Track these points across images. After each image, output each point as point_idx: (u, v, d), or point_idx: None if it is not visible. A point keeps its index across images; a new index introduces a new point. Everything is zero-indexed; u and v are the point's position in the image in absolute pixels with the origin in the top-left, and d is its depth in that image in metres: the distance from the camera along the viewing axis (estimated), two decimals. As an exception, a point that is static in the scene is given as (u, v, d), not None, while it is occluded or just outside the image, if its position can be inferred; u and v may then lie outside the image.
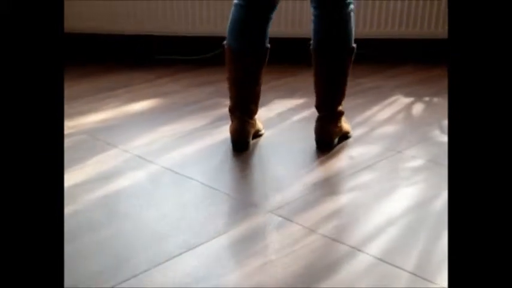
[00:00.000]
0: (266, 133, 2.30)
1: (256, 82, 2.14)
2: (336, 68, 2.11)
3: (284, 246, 1.56)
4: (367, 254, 1.53)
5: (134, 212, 1.72)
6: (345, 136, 2.25)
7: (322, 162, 2.05)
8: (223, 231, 1.62)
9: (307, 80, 2.95)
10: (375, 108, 2.59)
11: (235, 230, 1.63)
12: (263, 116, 2.46)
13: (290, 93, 2.76)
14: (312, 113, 2.51)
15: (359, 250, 1.54)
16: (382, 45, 3.27)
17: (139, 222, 1.66)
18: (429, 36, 3.21)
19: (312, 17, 2.08)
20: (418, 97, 2.72)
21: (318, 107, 2.19)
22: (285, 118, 2.46)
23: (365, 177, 1.95)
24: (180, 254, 1.52)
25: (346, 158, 2.09)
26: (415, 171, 2.01)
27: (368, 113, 2.54)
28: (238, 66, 2.09)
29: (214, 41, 3.21)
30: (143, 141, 2.20)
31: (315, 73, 2.14)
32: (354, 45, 2.09)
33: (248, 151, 2.13)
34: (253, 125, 2.18)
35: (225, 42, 2.11)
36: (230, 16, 2.09)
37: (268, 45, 2.11)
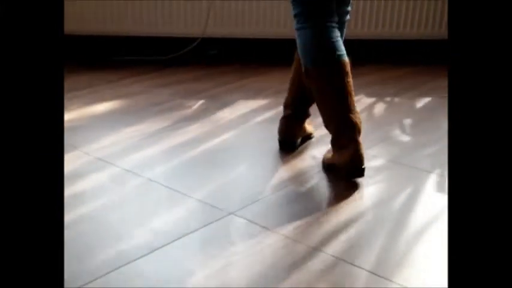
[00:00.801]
0: (229, 134, 2.30)
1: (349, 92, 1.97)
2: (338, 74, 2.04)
3: (246, 247, 1.57)
4: (327, 253, 1.54)
5: (95, 214, 1.70)
6: (308, 137, 2.26)
7: (285, 163, 2.07)
8: (185, 233, 1.62)
9: (272, 80, 2.97)
10: (338, 109, 2.61)
11: (198, 232, 1.63)
12: (226, 117, 2.47)
13: (254, 94, 2.77)
14: (275, 113, 2.52)
15: (319, 250, 1.56)
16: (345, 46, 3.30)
17: (100, 224, 1.65)
18: (391, 37, 3.25)
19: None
20: (380, 97, 2.76)
21: (286, 105, 2.18)
22: (248, 119, 2.46)
23: (326, 177, 1.97)
24: (142, 256, 1.52)
25: (309, 158, 2.11)
26: (375, 170, 2.03)
27: (331, 113, 2.56)
28: (329, 86, 1.93)
29: (178, 42, 3.20)
30: (105, 143, 2.18)
31: (296, 72, 2.13)
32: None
33: (211, 152, 2.14)
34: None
35: (303, 69, 1.96)
36: (300, 41, 1.97)
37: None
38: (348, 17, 2.08)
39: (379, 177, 1.99)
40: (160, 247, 1.55)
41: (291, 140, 2.16)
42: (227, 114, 2.50)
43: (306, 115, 2.19)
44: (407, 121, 2.42)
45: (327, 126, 1.96)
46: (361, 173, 1.91)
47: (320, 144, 2.22)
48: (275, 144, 2.19)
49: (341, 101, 1.90)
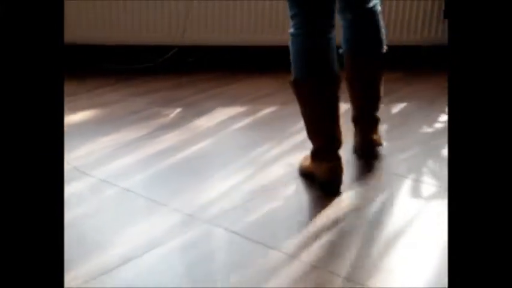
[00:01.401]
0: (206, 142, 2.30)
1: (337, 107, 1.94)
2: (374, 73, 2.10)
3: (221, 255, 1.57)
4: (303, 261, 1.55)
5: (71, 224, 1.69)
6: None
7: (261, 170, 2.07)
8: (161, 243, 1.62)
9: (249, 87, 2.98)
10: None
11: (173, 241, 1.63)
12: (204, 125, 2.47)
13: (232, 101, 2.77)
14: (253, 120, 2.53)
15: (295, 257, 1.56)
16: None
17: (76, 234, 1.64)
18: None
19: (343, 25, 2.07)
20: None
21: (356, 118, 2.14)
22: (226, 126, 2.46)
23: (302, 183, 1.98)
24: (118, 266, 1.51)
25: (284, 165, 2.12)
26: (350, 176, 2.05)
27: (308, 119, 2.57)
28: (318, 98, 1.91)
29: (154, 51, 3.20)
30: (81, 153, 2.17)
31: (353, 83, 2.10)
32: (386, 48, 2.09)
33: (188, 161, 2.13)
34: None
35: (291, 79, 1.92)
36: (293, 47, 1.91)
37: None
38: (379, 10, 2.04)
39: (355, 183, 2.01)
40: (136, 257, 1.55)
41: (373, 151, 2.14)
42: (204, 122, 2.50)
43: (378, 120, 2.17)
44: (383, 127, 2.44)
45: (310, 138, 1.95)
46: (337, 189, 1.90)
47: (296, 151, 2.23)
48: (252, 152, 2.20)
49: (329, 116, 1.89)
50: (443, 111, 2.69)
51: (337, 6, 1.95)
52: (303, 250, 1.60)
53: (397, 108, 2.72)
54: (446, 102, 2.78)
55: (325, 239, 1.66)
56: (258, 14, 3.18)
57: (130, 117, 2.54)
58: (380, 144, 2.15)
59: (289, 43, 1.90)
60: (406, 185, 1.96)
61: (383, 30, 2.07)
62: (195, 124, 2.48)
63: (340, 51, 2.06)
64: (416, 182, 1.98)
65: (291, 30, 1.89)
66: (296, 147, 2.26)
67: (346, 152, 2.22)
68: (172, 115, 2.58)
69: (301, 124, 2.49)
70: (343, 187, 1.95)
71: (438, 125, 2.53)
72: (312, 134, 1.94)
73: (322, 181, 1.90)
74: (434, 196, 1.93)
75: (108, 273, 1.48)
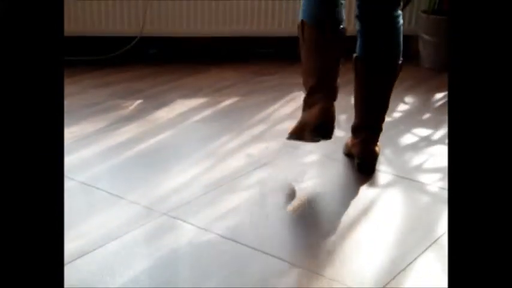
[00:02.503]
0: (166, 134, 2.29)
1: (339, 57, 1.92)
2: (385, 84, 2.00)
3: (180, 248, 1.57)
4: (260, 251, 1.56)
5: (26, 220, 1.68)
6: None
7: (221, 162, 2.08)
8: (117, 236, 1.61)
9: (210, 79, 2.97)
10: (276, 105, 2.64)
11: (130, 234, 1.63)
12: (164, 116, 2.46)
13: (192, 93, 2.76)
14: (213, 112, 2.53)
15: (252, 248, 1.57)
16: (283, 42, 3.34)
17: (31, 230, 1.63)
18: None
19: (360, 31, 1.99)
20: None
21: (358, 127, 2.03)
22: (186, 118, 2.46)
23: (261, 174, 1.99)
24: (73, 260, 1.50)
25: (244, 156, 2.13)
26: (309, 166, 2.07)
27: (269, 110, 2.59)
28: (322, 37, 1.88)
29: (114, 42, 3.17)
30: (38, 146, 2.15)
31: (361, 91, 2.01)
32: (401, 60, 2.00)
33: (147, 153, 2.13)
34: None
35: (301, 19, 1.92)
36: None
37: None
38: (401, 23, 1.96)
39: (313, 172, 2.03)
40: (92, 251, 1.54)
41: (372, 162, 2.02)
42: (165, 113, 2.50)
43: (381, 131, 2.07)
44: (343, 117, 2.46)
45: (304, 83, 1.92)
46: (330, 132, 1.84)
47: (255, 142, 2.24)
48: (212, 143, 2.20)
49: (329, 65, 1.87)
50: (402, 101, 2.73)
51: (356, 11, 1.96)
52: (263, 241, 1.61)
53: (356, 98, 2.75)
54: (405, 92, 2.82)
55: (283, 229, 1.67)
56: (218, 5, 3.18)
57: (89, 109, 2.52)
58: (377, 155, 2.05)
59: None
60: (363, 174, 1.99)
61: (401, 42, 1.97)
62: (155, 116, 2.47)
63: (354, 55, 2.00)
64: (373, 172, 2.01)
65: None
66: (256, 138, 2.28)
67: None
68: (132, 107, 2.57)
69: (261, 115, 2.51)
70: (301, 176, 1.97)
71: (396, 115, 2.57)
72: (307, 77, 1.90)
73: (313, 125, 1.83)
74: (390, 184, 1.96)
75: (65, 265, 1.47)
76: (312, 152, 2.17)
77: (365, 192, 1.90)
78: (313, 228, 1.68)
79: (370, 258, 1.55)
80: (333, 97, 1.89)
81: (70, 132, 2.27)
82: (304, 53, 1.93)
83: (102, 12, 3.09)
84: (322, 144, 2.23)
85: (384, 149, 2.17)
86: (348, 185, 1.96)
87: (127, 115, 2.47)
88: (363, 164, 2.00)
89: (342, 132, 2.32)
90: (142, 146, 2.18)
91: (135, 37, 3.14)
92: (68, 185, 1.87)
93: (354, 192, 1.88)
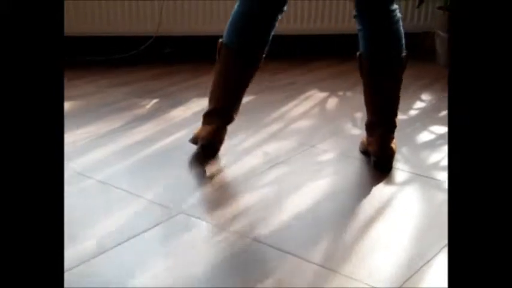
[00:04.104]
0: (182, 133, 2.30)
1: (246, 86, 2.07)
2: (392, 79, 2.00)
3: (197, 246, 1.58)
4: (275, 247, 1.57)
5: (45, 218, 1.69)
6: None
7: (238, 160, 2.08)
8: (135, 234, 1.62)
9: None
10: (291, 104, 2.64)
11: (147, 232, 1.64)
12: (180, 115, 2.47)
13: (207, 92, 2.76)
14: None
15: (269, 245, 1.58)
16: (296, 41, 3.34)
17: (50, 228, 1.64)
18: (341, 31, 3.29)
19: (360, 29, 1.99)
20: (332, 91, 2.79)
21: (372, 124, 2.02)
22: (201, 117, 2.46)
23: (278, 172, 1.99)
24: (93, 257, 1.52)
25: (260, 154, 2.13)
26: (326, 164, 2.07)
27: (284, 108, 2.59)
28: (235, 66, 2.03)
29: (130, 41, 3.18)
30: (56, 146, 2.16)
31: (369, 89, 2.01)
32: (405, 52, 2.00)
33: (164, 152, 2.14)
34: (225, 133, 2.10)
35: (220, 39, 2.04)
36: (235, 8, 2.02)
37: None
38: (399, 16, 1.96)
39: (329, 170, 2.03)
40: (111, 248, 1.56)
41: (390, 159, 2.01)
42: (181, 112, 2.51)
43: (395, 126, 2.05)
44: (359, 115, 2.46)
45: (209, 99, 2.09)
46: (213, 153, 2.07)
47: (270, 140, 2.25)
48: (228, 142, 2.21)
49: (235, 94, 2.07)
50: (418, 98, 2.72)
51: (354, 8, 1.97)
52: (275, 237, 1.61)
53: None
54: (422, 90, 2.81)
55: (299, 226, 1.68)
56: (233, 4, 3.18)
57: (106, 108, 2.54)
58: (394, 153, 2.03)
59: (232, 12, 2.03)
60: (380, 172, 1.99)
61: (402, 36, 1.97)
62: (171, 115, 2.48)
63: (358, 53, 2.01)
64: (390, 169, 2.00)
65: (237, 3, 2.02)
66: (272, 137, 2.28)
67: (320, 138, 2.24)
68: (148, 106, 2.58)
69: (276, 114, 2.51)
70: (317, 174, 1.97)
71: (412, 112, 2.56)
72: (211, 94, 2.09)
73: (201, 142, 2.04)
74: (406, 182, 1.95)
75: (83, 264, 1.48)
76: (328, 150, 2.17)
77: (382, 190, 1.89)
78: (329, 226, 1.68)
79: (387, 256, 1.55)
80: (228, 121, 2.08)
81: (87, 132, 2.29)
82: (216, 73, 2.08)
83: (118, 12, 3.11)
84: (339, 142, 2.23)
85: (401, 146, 2.17)
86: (364, 183, 1.95)
87: (143, 114, 2.48)
88: (379, 162, 1.99)
89: (358, 130, 2.31)
90: (159, 145, 2.19)
91: (151, 36, 3.15)
92: (86, 183, 1.89)
93: (371, 190, 1.88)
